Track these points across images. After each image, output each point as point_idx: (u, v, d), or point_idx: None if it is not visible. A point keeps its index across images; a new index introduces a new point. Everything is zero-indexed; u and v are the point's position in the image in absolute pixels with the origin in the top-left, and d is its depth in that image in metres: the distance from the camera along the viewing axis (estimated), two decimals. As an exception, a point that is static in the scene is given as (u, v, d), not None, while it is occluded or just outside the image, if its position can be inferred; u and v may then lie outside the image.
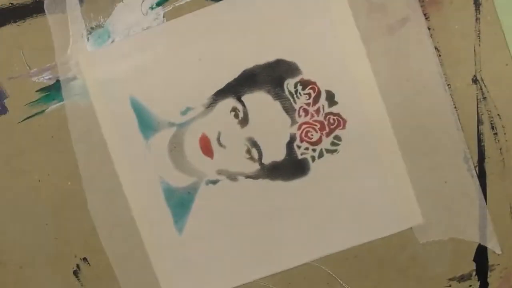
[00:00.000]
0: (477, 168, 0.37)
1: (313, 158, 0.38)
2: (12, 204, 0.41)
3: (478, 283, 0.38)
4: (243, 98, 0.38)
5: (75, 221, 0.40)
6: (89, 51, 0.39)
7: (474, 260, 0.38)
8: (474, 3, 0.36)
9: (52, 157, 0.40)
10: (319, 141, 0.38)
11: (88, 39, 0.39)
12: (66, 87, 0.39)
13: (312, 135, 0.38)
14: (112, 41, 0.39)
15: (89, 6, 0.39)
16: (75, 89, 0.39)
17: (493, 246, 0.38)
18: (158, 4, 0.38)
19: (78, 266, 0.41)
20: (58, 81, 0.39)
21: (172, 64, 0.39)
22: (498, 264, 0.38)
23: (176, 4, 0.38)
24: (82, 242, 0.40)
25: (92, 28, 0.39)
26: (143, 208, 0.40)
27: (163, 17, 0.38)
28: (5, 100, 0.40)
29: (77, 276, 0.41)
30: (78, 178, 0.40)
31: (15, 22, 0.39)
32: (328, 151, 0.38)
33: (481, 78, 0.37)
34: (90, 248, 0.40)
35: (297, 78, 0.38)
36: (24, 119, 0.40)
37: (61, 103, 0.39)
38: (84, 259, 0.40)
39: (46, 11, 0.39)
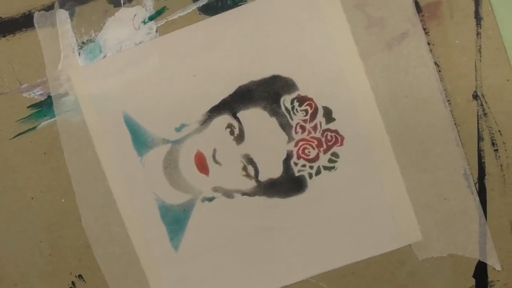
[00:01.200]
0: (477, 185, 0.37)
1: (310, 175, 0.38)
2: (5, 222, 0.40)
3: (478, 300, 0.38)
4: (238, 115, 0.37)
5: (69, 238, 0.40)
6: (80, 66, 0.38)
7: (474, 276, 0.38)
8: (475, 18, 0.35)
9: (45, 174, 0.39)
10: (316, 158, 0.38)
11: (79, 54, 0.38)
12: (57, 103, 0.39)
13: (309, 152, 0.37)
14: (104, 56, 0.38)
15: (80, 20, 0.38)
16: (67, 105, 0.38)
17: (493, 262, 0.37)
18: (150, 18, 0.37)
19: (73, 283, 0.40)
20: (49, 96, 0.38)
21: (166, 80, 0.38)
22: (498, 280, 0.38)
23: (169, 19, 0.37)
24: (77, 259, 0.40)
25: (83, 42, 0.38)
26: (138, 225, 0.39)
27: (156, 31, 0.37)
28: (-5, 116, 0.39)
29: (72, 294, 0.40)
30: (72, 195, 0.39)
31: (4, 36, 0.38)
32: (325, 168, 0.38)
33: (482, 94, 0.36)
34: (85, 265, 0.40)
35: (294, 95, 0.37)
36: (16, 136, 0.39)
37: (53, 119, 0.39)
38: (80, 276, 0.40)
39: (35, 25, 0.38)
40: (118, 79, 0.38)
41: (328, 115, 0.37)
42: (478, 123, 0.36)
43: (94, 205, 0.39)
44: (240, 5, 0.37)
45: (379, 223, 0.38)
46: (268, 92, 0.37)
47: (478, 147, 0.36)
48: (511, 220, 0.37)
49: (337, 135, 0.37)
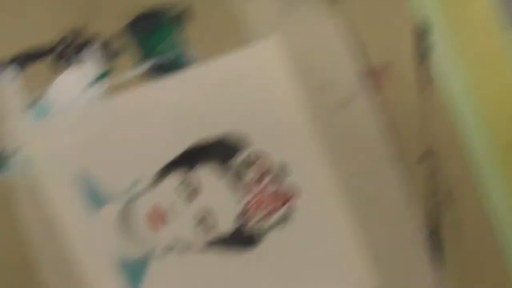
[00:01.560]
0: (432, 239, 0.37)
1: (265, 231, 0.38)
2: (-39, 279, 0.40)
3: None
4: (191, 172, 0.37)
5: (27, 293, 0.40)
6: (29, 125, 0.37)
7: (429, 324, 0.38)
8: (422, 78, 0.35)
9: (0, 231, 0.39)
10: (271, 213, 0.37)
11: (27, 113, 0.37)
12: (8, 161, 0.38)
13: (263, 207, 0.37)
14: (53, 116, 0.37)
15: (27, 79, 0.37)
16: (18, 164, 0.38)
17: (448, 311, 0.38)
18: (98, 79, 0.37)
19: (33, 336, 0.40)
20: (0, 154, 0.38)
21: (117, 139, 0.37)
22: (453, 328, 0.38)
23: (117, 80, 0.36)
24: (36, 313, 0.40)
25: (31, 102, 0.37)
26: (96, 281, 0.39)
27: (104, 93, 0.37)
28: None
29: None
30: (28, 253, 0.39)
31: (-49, 95, 0.38)
32: (280, 223, 0.38)
33: (432, 152, 0.36)
34: (44, 319, 0.40)
35: (247, 151, 0.37)
36: (-33, 193, 0.39)
37: (5, 177, 0.38)
38: (39, 329, 0.40)
39: (-19, 83, 0.37)
40: (67, 138, 0.37)
41: (283, 170, 0.37)
42: (429, 181, 0.36)
43: (51, 261, 0.39)
44: (191, 66, 0.36)
45: (335, 275, 0.38)
46: (220, 150, 0.37)
47: (431, 204, 0.37)
48: (465, 273, 0.37)
49: (291, 190, 0.37)
